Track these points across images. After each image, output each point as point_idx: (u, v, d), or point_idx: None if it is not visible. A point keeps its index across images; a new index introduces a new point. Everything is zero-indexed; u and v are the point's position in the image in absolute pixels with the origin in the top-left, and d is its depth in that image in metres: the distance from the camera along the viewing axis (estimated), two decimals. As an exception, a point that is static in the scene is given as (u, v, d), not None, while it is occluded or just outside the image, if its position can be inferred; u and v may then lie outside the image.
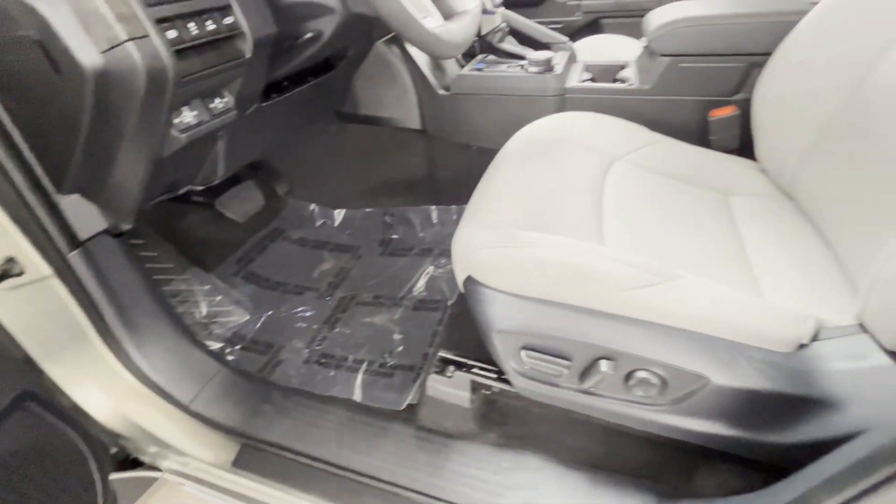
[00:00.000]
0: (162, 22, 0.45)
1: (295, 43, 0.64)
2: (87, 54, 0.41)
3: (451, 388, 0.65)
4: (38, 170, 0.53)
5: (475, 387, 0.64)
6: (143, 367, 0.71)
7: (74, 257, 0.60)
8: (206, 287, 0.98)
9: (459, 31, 0.62)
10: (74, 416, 0.52)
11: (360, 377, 0.81)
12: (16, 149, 0.51)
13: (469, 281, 0.59)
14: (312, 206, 1.26)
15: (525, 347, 0.54)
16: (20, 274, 0.59)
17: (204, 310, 0.95)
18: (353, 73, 0.99)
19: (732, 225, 0.66)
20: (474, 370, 0.65)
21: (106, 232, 0.64)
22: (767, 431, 0.48)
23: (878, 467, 0.33)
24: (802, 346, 0.46)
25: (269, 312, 0.99)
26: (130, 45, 0.42)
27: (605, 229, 0.60)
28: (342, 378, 0.82)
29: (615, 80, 0.98)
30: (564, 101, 0.95)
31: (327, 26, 0.63)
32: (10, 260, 0.58)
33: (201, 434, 0.74)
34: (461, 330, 0.78)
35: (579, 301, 0.52)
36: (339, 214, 1.25)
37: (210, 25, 0.49)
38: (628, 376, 0.51)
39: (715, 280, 0.53)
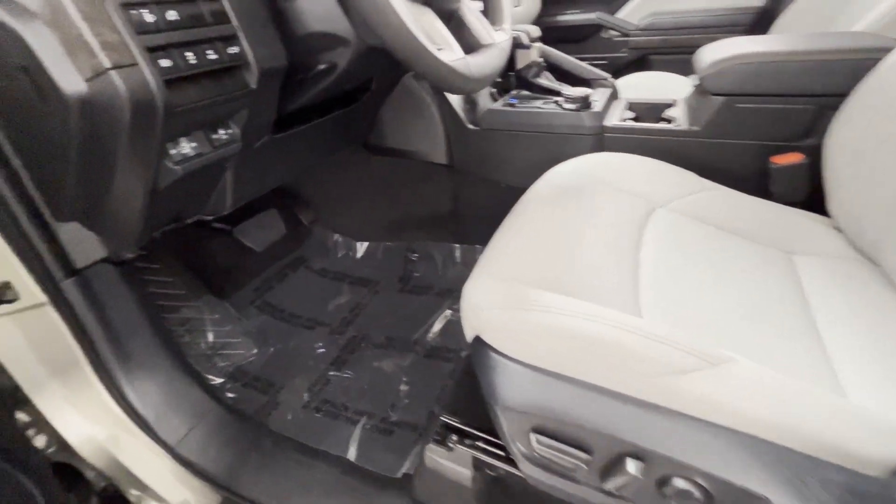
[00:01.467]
0: (155, 50, 0.42)
1: (308, 75, 0.61)
2: (70, 82, 0.39)
3: (452, 463, 0.56)
4: (37, 196, 0.52)
5: (478, 464, 0.56)
6: (133, 400, 0.68)
7: (69, 285, 0.58)
8: (216, 316, 0.95)
9: (481, 65, 0.57)
10: (31, 460, 0.49)
11: (358, 431, 0.74)
12: (15, 176, 0.50)
13: (477, 341, 0.51)
14: (336, 237, 1.23)
15: (535, 430, 0.46)
16: (14, 300, 0.57)
17: (211, 339, 0.92)
18: (379, 105, 0.96)
19: (800, 294, 0.55)
20: (479, 444, 0.56)
21: (107, 260, 0.62)
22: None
23: None
24: (901, 470, 0.35)
25: (277, 346, 0.95)
26: (115, 74, 0.39)
27: (642, 291, 0.51)
28: (339, 430, 0.75)
29: (660, 120, 0.90)
30: (603, 140, 0.87)
31: (342, 58, 0.59)
32: (5, 285, 0.57)
33: (184, 480, 0.69)
34: (471, 390, 0.70)
35: (604, 382, 0.43)
36: (361, 247, 1.21)
37: (211, 55, 0.47)
38: (662, 482, 0.41)
39: (779, 367, 0.43)
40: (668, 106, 0.93)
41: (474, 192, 1.03)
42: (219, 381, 0.86)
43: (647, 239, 0.62)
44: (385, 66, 0.79)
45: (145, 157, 0.48)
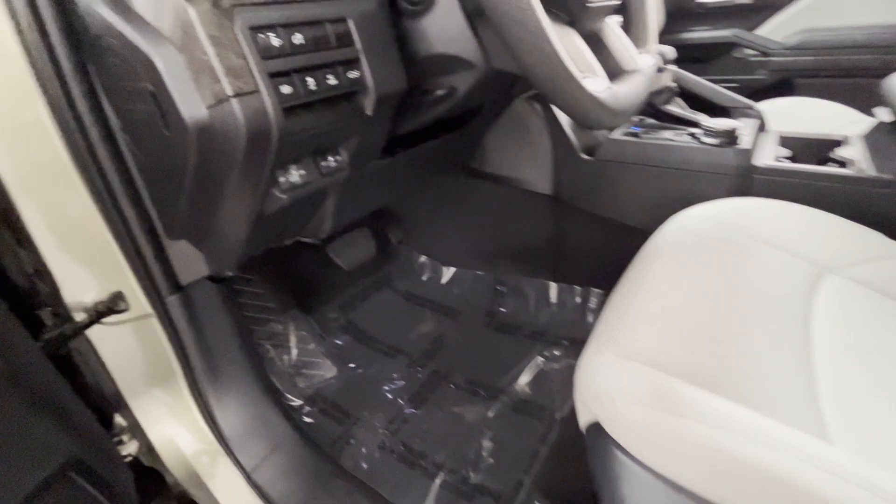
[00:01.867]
0: (278, 76, 0.39)
1: (424, 99, 0.56)
2: (192, 108, 0.37)
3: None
4: (153, 214, 0.53)
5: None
6: (218, 418, 0.67)
7: (173, 300, 0.59)
8: (302, 332, 0.94)
9: (628, 95, 0.48)
10: (119, 487, 0.48)
11: (435, 488, 0.67)
12: (137, 193, 0.50)
13: (595, 429, 0.42)
14: (423, 259, 1.19)
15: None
16: (124, 310, 0.59)
17: (294, 356, 0.92)
18: (485, 129, 0.90)
19: None
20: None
21: (208, 277, 0.62)
22: None
23: None
24: None
25: (357, 371, 0.92)
26: (235, 102, 0.36)
27: (823, 398, 0.39)
28: (415, 482, 0.69)
29: (827, 161, 0.74)
30: (750, 183, 0.73)
31: (463, 83, 0.54)
32: (118, 295, 0.58)
33: (253, 507, 0.67)
34: (569, 466, 0.60)
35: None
36: (448, 272, 1.16)
37: (331, 80, 0.43)
38: None
39: None
40: (838, 144, 0.76)
41: (580, 228, 0.93)
42: (298, 402, 0.84)
43: (818, 315, 0.48)
44: (500, 90, 0.73)
45: (255, 185, 0.45)
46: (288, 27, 0.39)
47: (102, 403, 0.65)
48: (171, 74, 0.36)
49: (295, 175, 0.48)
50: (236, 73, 0.36)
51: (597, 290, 0.93)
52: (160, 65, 0.35)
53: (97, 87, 0.43)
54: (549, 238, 0.97)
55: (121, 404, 0.65)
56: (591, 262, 0.93)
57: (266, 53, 0.38)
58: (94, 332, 0.57)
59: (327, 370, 0.92)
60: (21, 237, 0.49)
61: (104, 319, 0.56)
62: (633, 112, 0.50)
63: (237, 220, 0.51)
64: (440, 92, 0.55)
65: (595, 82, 0.44)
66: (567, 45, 0.46)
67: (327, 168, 0.51)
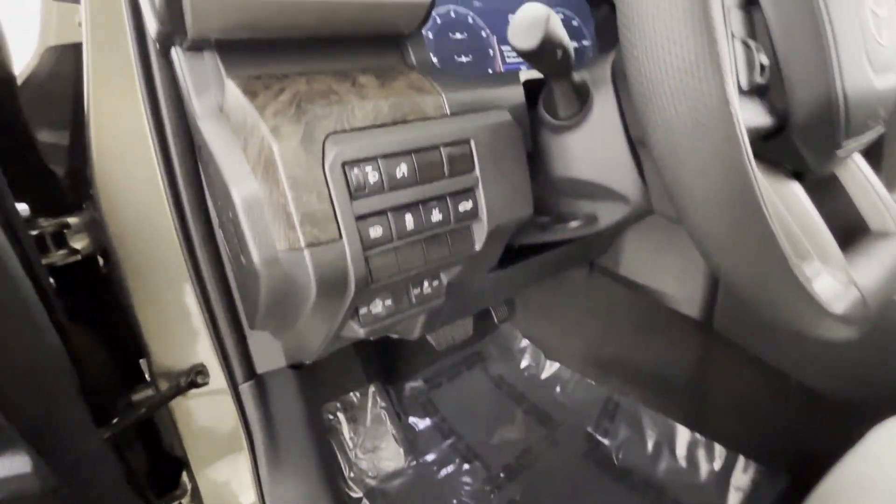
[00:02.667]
0: (369, 216, 0.31)
1: (552, 222, 0.45)
2: (263, 251, 0.31)
3: None
4: (239, 305, 0.50)
5: None
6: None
7: (245, 388, 0.56)
8: (379, 409, 0.88)
9: (883, 290, 0.30)
10: None
11: None
12: (227, 286, 0.49)
13: None
14: (524, 343, 1.06)
15: None
16: (204, 384, 0.58)
17: (366, 434, 0.85)
18: (624, 230, 0.75)
19: None
20: None
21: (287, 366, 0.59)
22: None
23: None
24: None
25: (428, 470, 0.82)
26: (307, 253, 0.29)
27: None
28: None
29: None
30: None
31: (608, 215, 0.41)
32: (201, 370, 0.58)
33: None
34: None
35: None
36: (551, 366, 1.00)
37: (436, 216, 0.34)
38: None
39: None
40: None
41: (736, 372, 0.71)
42: (357, 495, 0.77)
43: None
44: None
45: (331, 319, 0.38)
46: (392, 157, 0.32)
47: (171, 462, 0.66)
48: (247, 211, 0.30)
49: (379, 306, 0.40)
50: (315, 220, 0.29)
51: (749, 462, 0.70)
52: (237, 199, 0.30)
53: (205, 189, 0.42)
54: (689, 371, 0.77)
55: (188, 468, 0.65)
56: (745, 420, 0.70)
57: (359, 193, 0.30)
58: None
59: (397, 459, 0.83)
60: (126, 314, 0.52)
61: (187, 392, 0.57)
62: (872, 319, 0.31)
63: (315, 333, 0.46)
64: (574, 223, 0.43)
65: (824, 275, 0.28)
66: (784, 201, 0.30)
67: (420, 297, 0.42)
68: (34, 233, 0.46)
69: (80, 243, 0.49)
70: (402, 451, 0.85)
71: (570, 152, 0.39)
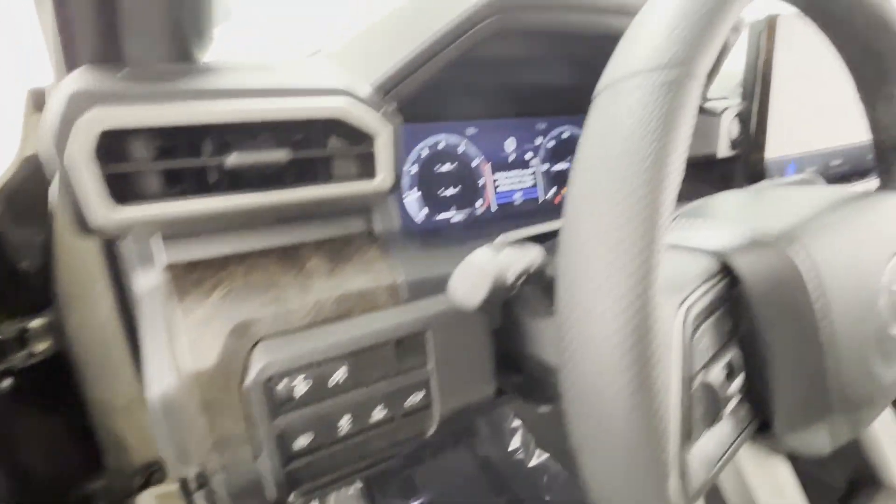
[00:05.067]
0: (291, 431, 0.28)
1: (535, 383, 0.41)
2: (180, 456, 0.28)
3: None
4: None
5: None
6: None
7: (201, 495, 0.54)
8: (352, 491, 0.85)
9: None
10: None
11: None
12: None
13: None
14: (517, 423, 1.01)
15: None
16: (163, 481, 0.57)
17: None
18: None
19: None
20: None
21: None
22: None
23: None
24: None
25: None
26: (220, 476, 0.27)
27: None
28: None
29: None
30: None
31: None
32: (157, 469, 0.56)
33: None
34: None
35: None
36: (539, 455, 0.95)
37: (378, 415, 0.31)
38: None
39: None
40: None
41: None
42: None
43: None
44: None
45: None
46: (328, 362, 0.29)
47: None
48: (164, 412, 0.27)
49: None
50: (227, 444, 0.27)
51: None
52: (154, 398, 0.27)
53: None
54: None
55: None
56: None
57: (284, 408, 0.28)
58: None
59: (365, 548, 0.80)
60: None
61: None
62: None
63: None
64: (544, 408, 0.39)
65: None
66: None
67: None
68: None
69: (41, 345, 0.48)
70: (371, 538, 0.81)
71: (545, 337, 0.35)
